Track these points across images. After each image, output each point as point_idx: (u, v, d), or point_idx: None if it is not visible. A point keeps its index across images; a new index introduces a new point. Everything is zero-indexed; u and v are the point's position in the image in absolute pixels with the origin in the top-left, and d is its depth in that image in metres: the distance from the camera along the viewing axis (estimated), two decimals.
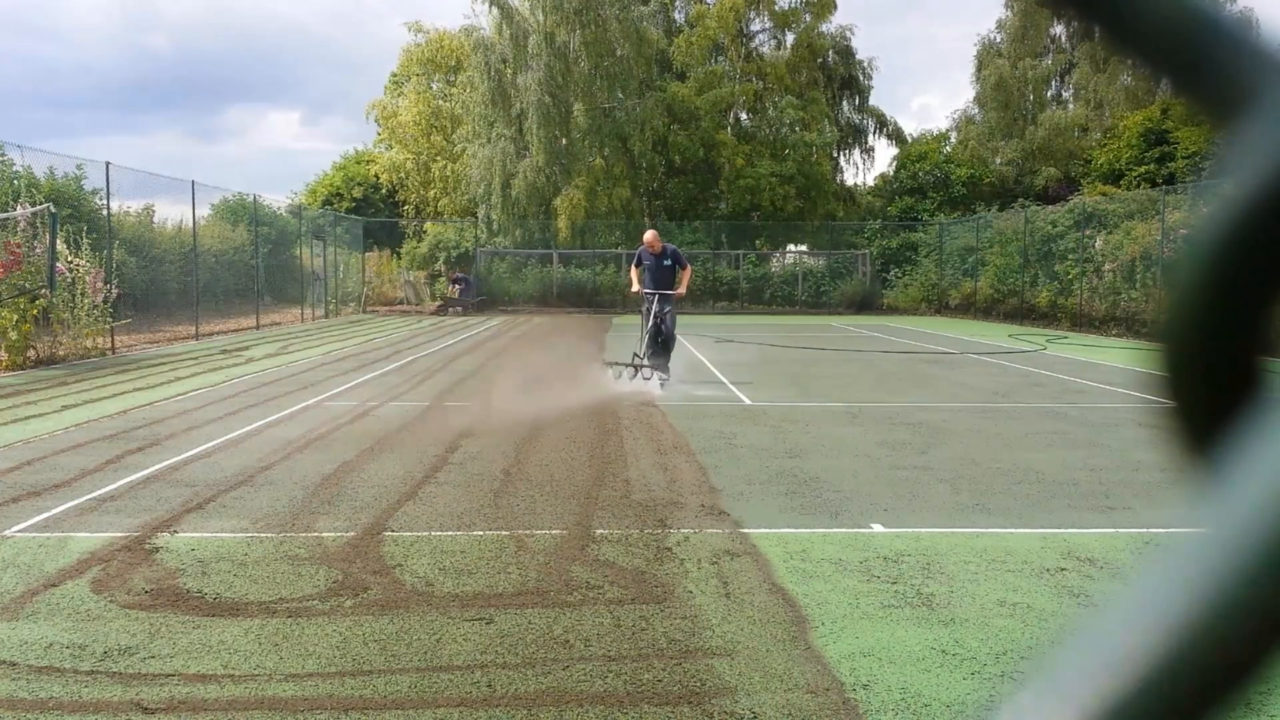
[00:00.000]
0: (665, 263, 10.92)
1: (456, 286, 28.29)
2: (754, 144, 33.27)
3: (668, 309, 10.88)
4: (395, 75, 38.81)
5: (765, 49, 35.34)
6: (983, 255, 27.16)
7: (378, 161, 36.85)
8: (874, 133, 37.90)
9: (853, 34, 35.96)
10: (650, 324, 10.88)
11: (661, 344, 10.82)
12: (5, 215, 13.38)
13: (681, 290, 11.01)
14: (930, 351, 16.19)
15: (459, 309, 27.48)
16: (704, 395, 10.31)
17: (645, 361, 10.51)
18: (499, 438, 7.46)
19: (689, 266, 11.34)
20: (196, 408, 9.27)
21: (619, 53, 30.03)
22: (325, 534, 4.95)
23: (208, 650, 3.48)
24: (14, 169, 16.64)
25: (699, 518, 5.28)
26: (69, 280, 14.03)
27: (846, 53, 36.12)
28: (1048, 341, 18.40)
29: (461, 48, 33.02)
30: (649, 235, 11.11)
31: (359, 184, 38.75)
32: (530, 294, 29.75)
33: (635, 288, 11.21)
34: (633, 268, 11.35)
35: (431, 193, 34.90)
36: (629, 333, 17.68)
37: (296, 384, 11.19)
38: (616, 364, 10.59)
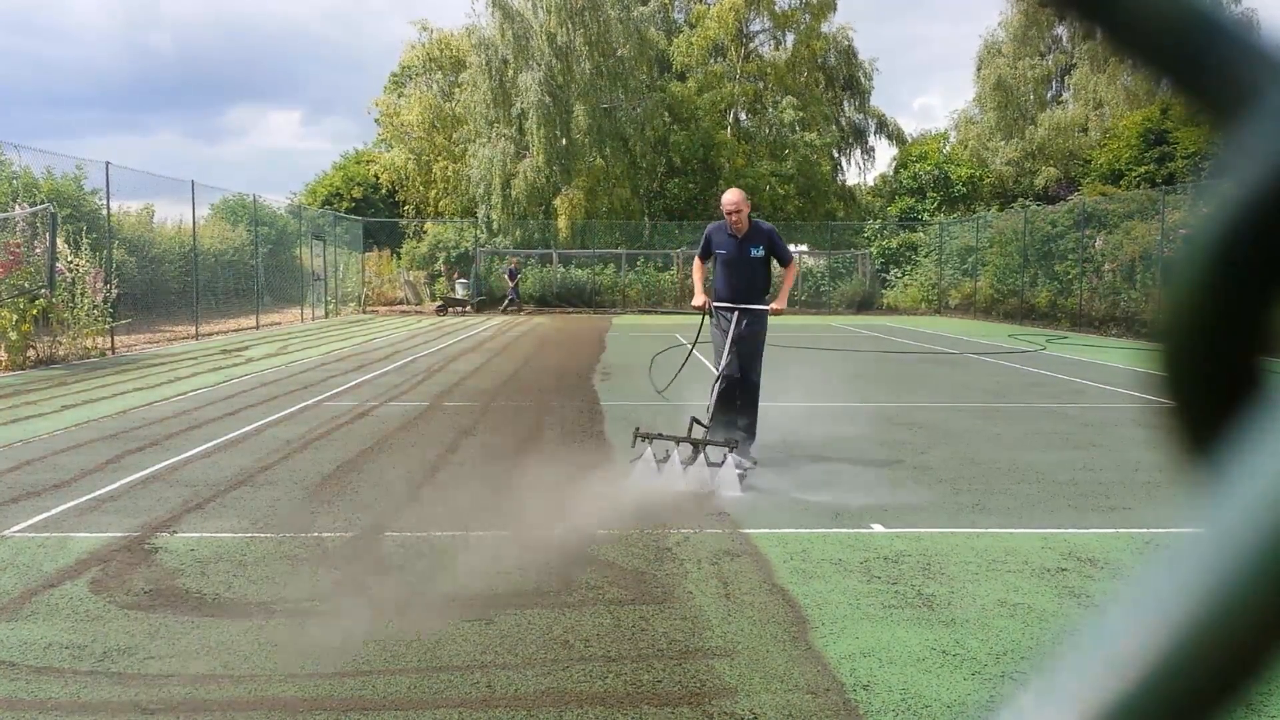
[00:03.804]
0: (755, 251, 6.30)
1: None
2: (754, 144, 33.32)
3: (749, 330, 6.35)
4: (395, 75, 38.85)
5: (765, 49, 35.40)
6: (983, 255, 27.17)
7: (378, 161, 36.87)
8: (874, 133, 38.03)
9: (853, 34, 36.07)
10: (725, 360, 6.29)
11: (741, 400, 6.42)
12: (4, 215, 13.38)
13: (781, 303, 6.42)
14: (930, 351, 16.19)
15: (461, 308, 27.49)
16: (703, 395, 10.29)
17: (710, 434, 6.09)
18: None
19: (795, 262, 6.70)
20: (196, 408, 9.27)
21: (620, 53, 30.05)
22: (325, 534, 4.95)
23: (208, 650, 3.48)
24: (12, 169, 16.67)
25: (699, 518, 5.28)
26: (69, 280, 14.04)
27: (847, 53, 36.18)
28: (1047, 341, 18.40)
29: (463, 47, 33.05)
30: (731, 196, 6.28)
31: (359, 184, 38.81)
32: (530, 294, 29.78)
33: (699, 299, 6.48)
34: (696, 261, 6.64)
35: (432, 193, 34.93)
36: (633, 336, 17.53)
37: (296, 384, 11.19)
38: (659, 438, 5.94)
